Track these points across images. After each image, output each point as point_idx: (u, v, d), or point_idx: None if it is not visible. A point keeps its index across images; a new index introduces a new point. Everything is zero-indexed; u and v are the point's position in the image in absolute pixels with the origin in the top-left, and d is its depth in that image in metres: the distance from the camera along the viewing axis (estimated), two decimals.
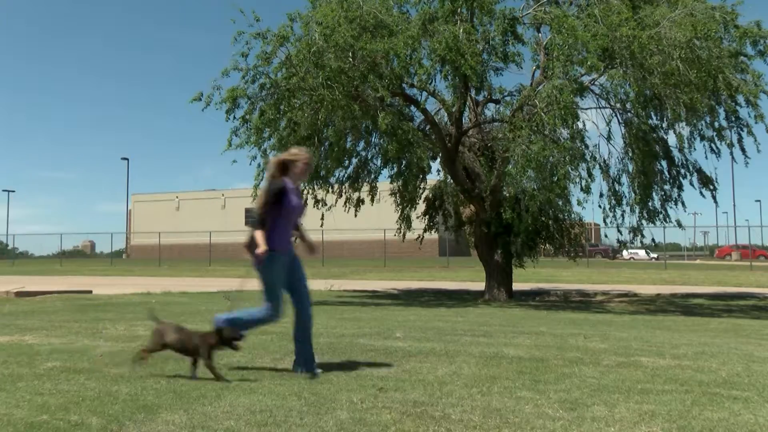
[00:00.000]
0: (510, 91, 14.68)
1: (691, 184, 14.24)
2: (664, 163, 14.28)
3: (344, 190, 16.04)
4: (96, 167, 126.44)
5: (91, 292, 15.13)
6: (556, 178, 11.58)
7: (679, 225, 14.67)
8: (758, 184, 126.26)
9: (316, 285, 19.58)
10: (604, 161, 14.75)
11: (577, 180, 12.36)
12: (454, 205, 17.27)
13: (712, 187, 14.12)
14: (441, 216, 17.71)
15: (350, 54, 11.84)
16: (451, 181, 15.79)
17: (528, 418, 3.34)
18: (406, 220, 16.97)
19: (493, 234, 14.44)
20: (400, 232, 17.11)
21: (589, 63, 11.09)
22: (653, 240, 15.85)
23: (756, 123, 12.20)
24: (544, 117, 11.35)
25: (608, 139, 14.63)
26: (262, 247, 4.39)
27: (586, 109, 13.86)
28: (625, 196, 14.45)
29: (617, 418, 3.36)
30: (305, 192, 15.05)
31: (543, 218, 13.96)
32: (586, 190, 12.39)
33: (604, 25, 11.28)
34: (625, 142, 14.16)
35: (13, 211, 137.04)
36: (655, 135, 13.72)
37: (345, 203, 16.17)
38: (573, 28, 11.22)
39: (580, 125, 12.87)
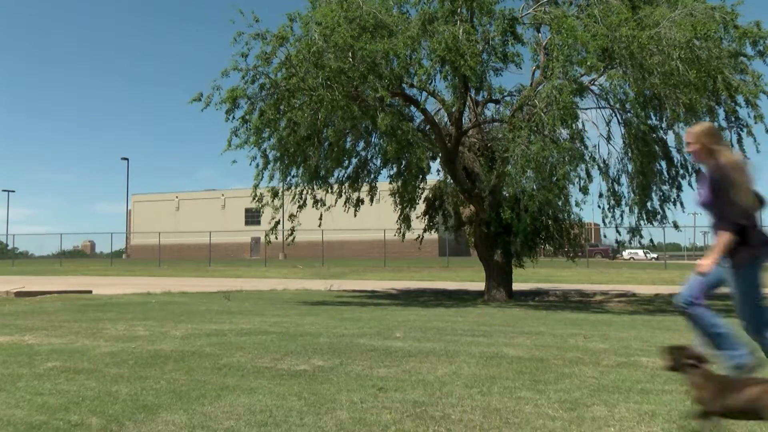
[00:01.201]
0: (510, 91, 14.70)
1: (690, 184, 14.25)
2: (663, 163, 14.28)
3: (344, 190, 16.04)
4: (96, 167, 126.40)
5: (91, 292, 15.14)
6: (555, 179, 11.58)
7: (675, 226, 14.67)
8: (758, 184, 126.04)
9: (315, 285, 19.59)
10: (604, 161, 14.76)
11: (576, 180, 12.37)
12: (454, 205, 17.28)
13: None
14: (441, 216, 17.72)
15: (350, 54, 11.84)
16: (451, 181, 15.79)
17: (528, 418, 3.34)
18: (405, 220, 16.98)
19: (492, 234, 14.45)
20: (400, 232, 17.12)
21: (588, 63, 11.09)
22: (651, 240, 15.89)
23: (756, 123, 12.21)
24: (543, 117, 11.36)
25: (608, 139, 14.64)
26: None
27: (586, 109, 13.87)
28: (625, 197, 14.46)
29: (617, 418, 3.37)
30: (305, 192, 15.07)
31: (542, 218, 13.97)
32: (584, 190, 12.40)
33: (603, 26, 11.28)
34: (624, 143, 14.17)
35: (13, 211, 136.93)
36: (654, 135, 13.71)
37: (345, 203, 16.17)
38: (573, 29, 11.22)
39: (580, 125, 12.88)
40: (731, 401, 2.74)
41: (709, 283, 3.68)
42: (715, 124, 12.94)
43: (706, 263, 3.59)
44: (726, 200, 3.54)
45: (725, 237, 3.54)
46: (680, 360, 2.99)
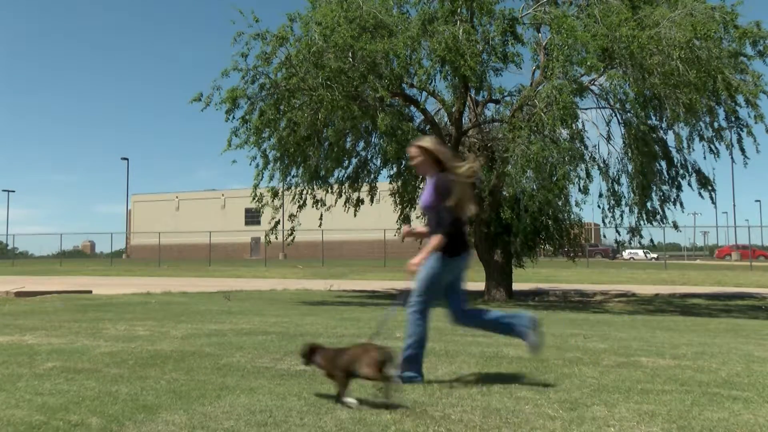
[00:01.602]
0: (510, 91, 14.70)
1: (690, 185, 14.26)
2: (663, 163, 14.29)
3: (344, 190, 16.04)
4: (96, 168, 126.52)
5: (90, 292, 15.13)
6: (555, 179, 11.59)
7: (675, 227, 14.69)
8: (758, 184, 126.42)
9: (315, 285, 19.58)
10: (604, 161, 14.78)
11: (576, 180, 12.38)
12: None
13: (710, 188, 14.12)
14: None
15: (350, 54, 11.85)
16: None
17: (528, 418, 3.34)
18: (405, 220, 16.98)
19: (492, 234, 14.45)
20: (400, 232, 17.10)
21: (588, 63, 11.10)
22: (651, 240, 15.89)
23: (756, 123, 12.23)
24: (543, 117, 11.36)
25: (608, 139, 14.66)
26: None
27: (586, 109, 13.89)
28: (625, 197, 14.48)
29: (617, 418, 3.36)
30: (305, 192, 15.07)
31: (542, 218, 13.98)
32: (584, 190, 12.42)
33: (603, 26, 11.29)
34: (624, 143, 14.17)
35: (13, 211, 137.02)
36: (654, 135, 13.72)
37: (345, 203, 16.18)
38: (572, 29, 11.23)
39: (580, 125, 12.90)
40: (339, 364, 3.59)
41: (431, 285, 4.10)
42: (715, 124, 12.96)
43: (416, 262, 4.00)
44: (444, 208, 3.94)
45: (438, 240, 3.93)
46: (307, 354, 3.79)
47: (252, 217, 54.25)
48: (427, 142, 4.10)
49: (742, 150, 12.88)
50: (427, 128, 14.63)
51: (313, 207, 15.30)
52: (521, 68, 12.80)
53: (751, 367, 4.87)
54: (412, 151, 4.08)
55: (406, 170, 14.65)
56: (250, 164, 13.41)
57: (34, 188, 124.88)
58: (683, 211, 15.10)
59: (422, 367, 4.13)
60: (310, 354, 3.80)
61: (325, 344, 3.92)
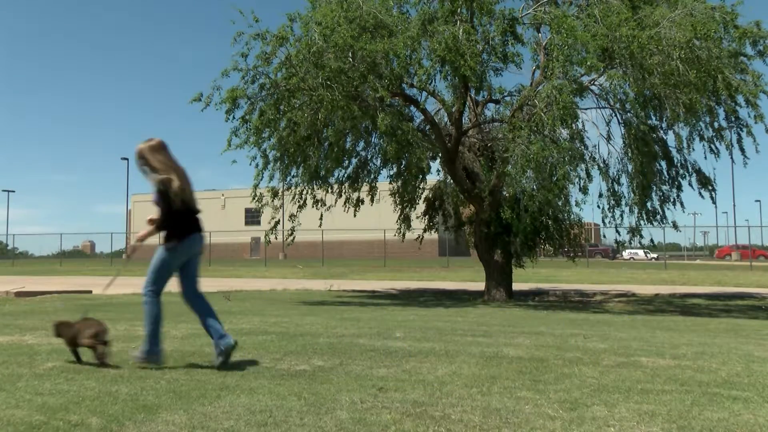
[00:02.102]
0: (510, 91, 14.69)
1: (690, 184, 14.26)
2: (663, 163, 14.29)
3: (344, 190, 16.04)
4: (96, 168, 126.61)
5: (91, 292, 15.12)
6: (555, 179, 11.58)
7: (675, 227, 14.69)
8: (758, 184, 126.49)
9: (315, 285, 19.57)
10: (604, 161, 14.77)
11: (576, 180, 12.38)
12: (454, 205, 17.29)
13: (710, 187, 14.12)
14: (441, 216, 17.72)
15: (350, 54, 11.84)
16: (451, 181, 15.79)
17: (528, 418, 3.34)
18: (405, 220, 16.98)
19: (492, 234, 14.45)
20: (400, 232, 17.12)
21: (588, 63, 11.09)
22: (651, 240, 15.89)
23: (756, 123, 12.22)
24: (543, 117, 11.35)
25: (608, 139, 14.65)
26: None
27: (586, 109, 13.88)
28: (625, 197, 14.47)
29: (617, 418, 3.36)
30: (305, 192, 15.08)
31: (542, 218, 13.98)
32: (584, 190, 12.41)
33: (603, 26, 11.28)
34: (624, 143, 14.17)
35: (13, 211, 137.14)
36: (654, 135, 13.72)
37: (345, 203, 16.16)
38: (572, 29, 11.22)
39: (580, 125, 12.89)
40: (67, 334, 4.74)
41: (162, 271, 4.93)
42: (715, 123, 12.96)
43: (139, 235, 4.81)
44: (161, 203, 4.61)
45: (151, 227, 4.71)
46: (58, 329, 4.81)
47: (252, 217, 54.26)
48: (142, 146, 4.67)
49: (742, 150, 12.89)
50: (427, 128, 14.63)
51: (313, 207, 15.29)
52: (521, 68, 12.81)
53: (751, 367, 4.87)
54: (135, 153, 4.69)
55: (406, 170, 14.65)
56: (250, 164, 13.41)
57: (34, 188, 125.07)
58: (683, 211, 15.11)
59: (161, 344, 4.85)
60: (56, 330, 4.85)
61: (69, 320, 4.87)
